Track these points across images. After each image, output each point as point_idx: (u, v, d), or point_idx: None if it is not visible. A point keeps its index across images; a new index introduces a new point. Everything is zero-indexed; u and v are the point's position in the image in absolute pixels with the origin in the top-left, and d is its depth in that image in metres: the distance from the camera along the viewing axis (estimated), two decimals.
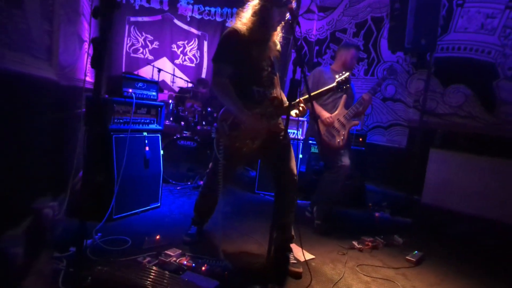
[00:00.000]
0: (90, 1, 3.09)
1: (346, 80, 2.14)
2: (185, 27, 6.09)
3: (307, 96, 2.02)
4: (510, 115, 3.26)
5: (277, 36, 2.16)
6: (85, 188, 2.57)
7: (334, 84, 2.15)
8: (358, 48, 3.13)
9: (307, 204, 3.48)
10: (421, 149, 3.72)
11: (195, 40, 6.19)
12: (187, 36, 6.12)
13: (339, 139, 2.95)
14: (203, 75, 6.16)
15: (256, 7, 1.99)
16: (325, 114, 2.97)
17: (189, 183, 4.02)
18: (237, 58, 2.00)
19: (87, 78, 3.13)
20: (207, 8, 6.11)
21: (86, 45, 3.07)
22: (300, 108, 2.06)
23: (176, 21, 6.00)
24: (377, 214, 3.67)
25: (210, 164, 2.34)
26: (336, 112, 2.98)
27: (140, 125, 2.90)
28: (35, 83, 1.44)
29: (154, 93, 3.02)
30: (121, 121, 2.72)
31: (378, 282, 2.13)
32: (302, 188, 3.88)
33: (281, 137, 2.17)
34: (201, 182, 2.76)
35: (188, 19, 6.08)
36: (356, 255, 2.53)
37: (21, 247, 1.16)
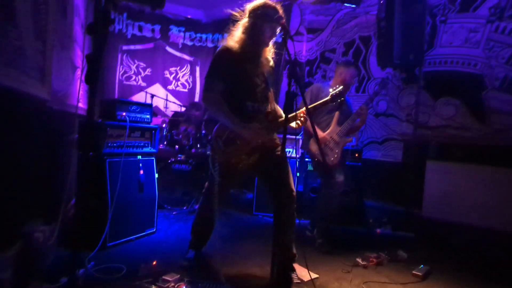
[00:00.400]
0: (83, 28, 3.14)
1: (340, 94, 2.15)
2: (177, 53, 6.20)
3: (303, 109, 2.02)
4: (501, 124, 3.30)
5: (269, 52, 2.19)
6: (78, 215, 2.49)
7: (328, 97, 2.17)
8: (356, 68, 3.19)
9: (306, 224, 3.40)
10: (417, 162, 3.71)
11: (187, 66, 6.29)
12: (180, 62, 6.22)
13: (332, 157, 2.93)
14: (196, 100, 6.21)
15: (247, 25, 2.03)
16: (319, 133, 2.97)
17: (185, 208, 3.92)
18: (230, 75, 2.02)
19: (80, 104, 3.11)
20: (198, 34, 6.26)
21: (79, 72, 3.08)
22: (302, 119, 2.05)
23: (168, 48, 6.12)
24: (378, 230, 3.60)
25: (206, 184, 2.29)
26: (329, 130, 2.98)
27: (134, 149, 2.85)
28: (28, 101, 1.42)
29: (148, 116, 3.00)
30: (114, 145, 2.67)
31: None
32: (300, 207, 3.81)
33: (277, 152, 2.15)
34: (197, 206, 2.70)
35: (180, 46, 6.21)
36: (361, 272, 2.44)
37: (9, 272, 1.09)
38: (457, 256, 2.95)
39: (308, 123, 2.98)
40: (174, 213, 3.77)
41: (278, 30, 2.02)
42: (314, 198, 3.94)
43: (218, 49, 2.09)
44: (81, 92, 3.10)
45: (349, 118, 3.00)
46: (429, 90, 3.78)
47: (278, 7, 2.00)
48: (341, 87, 2.17)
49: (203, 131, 4.38)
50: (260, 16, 1.97)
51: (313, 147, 3.00)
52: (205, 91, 2.05)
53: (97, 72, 1.25)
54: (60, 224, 2.25)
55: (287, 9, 5.02)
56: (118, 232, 2.63)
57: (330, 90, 2.18)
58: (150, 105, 3.09)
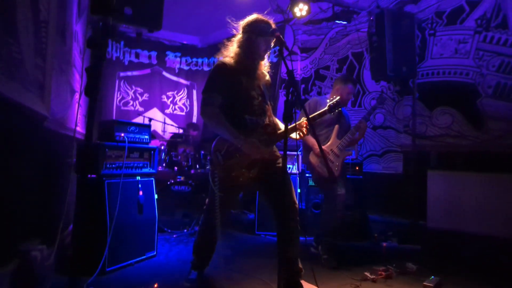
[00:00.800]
0: (81, 54, 3.20)
1: (338, 104, 2.17)
2: (174, 78, 6.31)
3: (303, 120, 2.03)
4: (498, 130, 3.32)
5: (265, 66, 2.22)
6: (75, 239, 2.42)
7: (326, 108, 2.18)
8: (355, 82, 3.22)
9: (311, 240, 3.33)
10: (418, 173, 3.69)
11: (184, 90, 6.38)
12: (177, 86, 6.31)
13: (333, 170, 2.91)
14: (194, 121, 6.25)
15: (241, 40, 2.08)
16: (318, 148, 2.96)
17: (185, 230, 3.84)
18: (227, 88, 2.03)
19: (78, 129, 3.12)
20: (194, 59, 6.40)
21: (77, 96, 3.10)
22: (304, 130, 2.05)
23: (165, 73, 6.23)
24: (384, 244, 3.51)
25: (207, 200, 2.25)
26: (329, 143, 2.98)
27: (133, 169, 2.83)
28: (27, 116, 1.40)
29: (146, 137, 3.00)
30: (113, 166, 2.65)
31: None
32: (304, 225, 3.75)
33: (278, 165, 2.14)
34: (199, 225, 2.64)
35: (177, 71, 6.33)
36: (371, 286, 2.36)
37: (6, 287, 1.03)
38: (466, 266, 2.87)
39: (307, 136, 3.02)
40: (174, 236, 3.68)
41: (272, 43, 2.07)
42: (317, 214, 3.88)
43: (214, 65, 2.12)
44: (79, 116, 3.12)
45: (348, 132, 3.01)
46: (424, 101, 3.83)
47: (271, 21, 2.05)
48: (338, 97, 2.19)
49: (202, 152, 4.37)
50: (254, 30, 2.02)
51: (313, 159, 2.98)
52: (203, 105, 2.05)
53: (98, 86, 1.26)
54: (57, 249, 2.19)
55: (281, 31, 5.17)
56: (118, 256, 2.55)
57: (328, 101, 2.20)
58: (149, 125, 3.10)
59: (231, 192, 2.12)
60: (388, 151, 4.17)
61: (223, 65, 2.07)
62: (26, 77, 1.25)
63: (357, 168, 3.80)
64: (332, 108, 2.17)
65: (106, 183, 2.54)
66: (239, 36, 2.12)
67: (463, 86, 3.58)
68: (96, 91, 1.23)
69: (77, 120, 3.03)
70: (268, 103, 2.19)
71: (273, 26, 2.02)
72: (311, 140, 3.00)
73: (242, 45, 2.06)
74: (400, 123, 4.08)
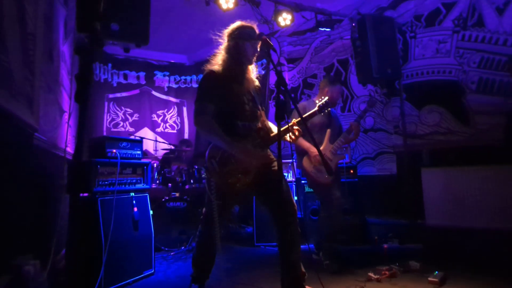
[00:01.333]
0: (69, 75, 3.19)
1: (327, 104, 2.20)
2: (164, 97, 6.32)
3: (295, 120, 2.04)
4: (484, 124, 3.39)
5: (253, 72, 2.25)
6: (70, 260, 2.34)
7: (316, 108, 2.20)
8: (342, 83, 3.26)
9: (312, 248, 3.28)
10: (412, 172, 3.71)
11: (174, 108, 6.39)
12: (166, 105, 6.32)
13: (326, 175, 2.91)
14: (186, 137, 6.23)
15: (228, 46, 2.10)
16: (313, 151, 2.96)
17: (183, 247, 3.75)
18: (218, 95, 2.04)
19: (68, 149, 3.07)
20: (183, 77, 6.44)
21: (66, 116, 3.07)
22: (296, 133, 2.06)
23: (154, 92, 6.24)
24: (385, 246, 3.47)
25: (204, 210, 2.21)
26: (321, 147, 2.98)
27: (127, 186, 2.78)
28: (18, 126, 1.37)
29: (139, 152, 2.96)
30: (106, 183, 2.60)
31: None
32: (303, 233, 3.70)
33: (273, 168, 2.12)
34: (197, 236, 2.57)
35: (166, 90, 6.35)
36: (376, 286, 2.32)
37: None
38: (468, 260, 2.85)
39: (300, 140, 3.03)
40: (172, 253, 3.60)
41: (258, 47, 2.09)
42: (316, 221, 3.84)
43: (203, 73, 2.13)
44: (68, 137, 3.08)
45: (341, 136, 3.02)
46: (411, 101, 3.91)
47: (255, 26, 2.09)
48: (327, 97, 2.22)
49: (196, 167, 4.33)
50: (240, 35, 2.06)
51: (307, 164, 2.98)
52: (196, 115, 2.05)
53: (88, 92, 1.25)
54: (51, 271, 2.11)
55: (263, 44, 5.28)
56: (114, 275, 2.47)
57: (317, 101, 2.22)
58: (140, 140, 3.07)
59: (228, 200, 2.09)
60: (380, 153, 4.20)
61: (212, 73, 2.08)
62: (14, 86, 1.23)
63: (351, 171, 3.80)
64: (321, 108, 2.19)
65: (99, 200, 2.48)
66: (225, 44, 2.15)
67: (447, 84, 3.67)
68: (86, 97, 1.21)
69: (67, 140, 3.00)
70: (260, 108, 2.20)
71: (257, 31, 2.07)
72: (305, 144, 3.00)
73: (230, 51, 2.09)
74: (390, 125, 4.14)
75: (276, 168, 2.11)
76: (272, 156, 2.19)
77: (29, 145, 1.70)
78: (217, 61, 2.15)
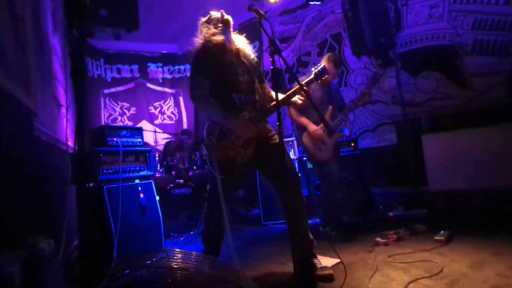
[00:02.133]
0: (63, 68, 3.17)
1: (323, 71, 2.18)
2: (159, 88, 6.29)
3: (295, 88, 2.03)
4: (481, 86, 3.39)
5: (248, 48, 2.24)
6: (82, 249, 2.37)
7: (312, 76, 2.19)
8: (339, 57, 3.18)
9: (318, 222, 3.32)
10: (413, 140, 3.73)
11: (170, 99, 6.37)
12: (162, 96, 6.29)
13: (325, 152, 2.93)
14: (185, 127, 6.23)
15: (214, 19, 2.12)
16: (312, 127, 2.97)
17: (192, 232, 3.80)
18: (212, 68, 2.04)
19: (69, 143, 3.07)
20: (176, 67, 6.40)
21: (63, 110, 3.07)
22: (302, 97, 2.06)
23: (149, 84, 6.21)
24: (391, 214, 3.52)
25: (208, 186, 2.23)
26: (321, 125, 2.97)
27: (131, 173, 2.80)
28: (18, 108, 1.37)
29: (139, 140, 2.97)
30: (110, 171, 2.62)
31: (416, 265, 1.97)
32: (309, 208, 3.75)
33: (273, 141, 2.12)
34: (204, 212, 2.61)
35: (161, 81, 6.31)
36: (384, 249, 2.36)
37: (18, 268, 1.01)
38: (474, 220, 2.90)
39: (300, 117, 3.03)
40: (181, 238, 3.64)
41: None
42: (319, 196, 3.88)
43: (194, 48, 2.12)
44: (68, 131, 3.08)
45: (341, 113, 3.00)
46: (407, 69, 3.90)
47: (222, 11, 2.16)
48: (323, 64, 2.20)
49: (197, 153, 4.35)
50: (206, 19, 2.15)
51: (306, 140, 2.99)
52: (191, 90, 2.05)
53: (84, 70, 1.25)
54: (65, 265, 2.15)
55: (256, 26, 5.23)
56: None
57: (312, 69, 2.21)
58: (140, 128, 3.08)
59: (231, 174, 2.10)
60: (380, 124, 4.21)
61: (204, 45, 2.08)
62: (8, 66, 1.23)
63: (352, 144, 3.82)
64: (318, 75, 2.18)
65: (105, 188, 2.51)
66: (214, 14, 2.18)
67: (442, 49, 3.66)
68: (82, 73, 1.22)
69: (67, 134, 3.01)
70: (256, 80, 2.20)
71: (225, 16, 2.14)
72: (304, 120, 3.00)
73: (206, 22, 2.14)
74: (387, 96, 4.14)
75: (276, 141, 2.12)
76: (271, 129, 2.19)
77: (30, 131, 1.70)
78: (207, 35, 2.14)
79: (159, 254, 1.24)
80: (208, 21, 2.16)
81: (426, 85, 3.78)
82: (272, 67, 1.72)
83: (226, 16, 2.16)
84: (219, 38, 2.07)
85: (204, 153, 4.21)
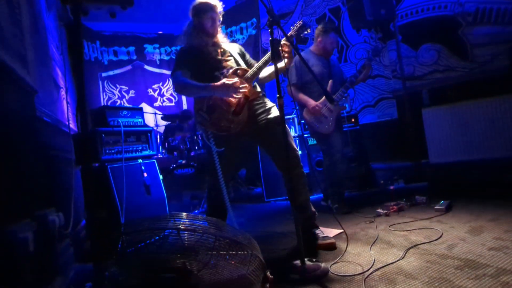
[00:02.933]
0: (59, 50, 3.14)
1: (303, 26, 2.16)
2: (157, 70, 6.24)
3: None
4: (484, 56, 3.35)
5: (224, 38, 2.30)
6: (90, 227, 2.42)
7: (292, 32, 2.15)
8: (336, 30, 3.13)
9: (320, 197, 3.37)
10: (413, 114, 3.73)
11: (169, 80, 6.31)
12: (161, 78, 6.24)
13: (327, 125, 2.93)
14: (185, 107, 6.21)
15: (190, 23, 2.24)
16: (311, 103, 2.96)
17: (196, 211, 3.86)
18: (193, 60, 2.13)
19: (71, 126, 3.08)
20: (173, 48, 6.31)
21: (63, 92, 3.06)
22: (286, 53, 1.99)
23: (146, 67, 6.15)
24: (392, 187, 3.56)
25: (208, 167, 2.25)
26: (323, 98, 2.96)
27: (133, 153, 2.82)
28: (19, 84, 1.37)
29: (140, 120, 2.98)
30: (113, 151, 2.64)
31: (416, 232, 2.02)
32: (310, 183, 3.80)
33: (270, 115, 2.11)
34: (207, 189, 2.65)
35: (158, 63, 6.25)
36: (385, 220, 2.41)
37: (31, 234, 1.04)
38: (475, 189, 2.93)
39: (299, 94, 3.02)
40: None
41: (219, 17, 2.19)
42: (321, 172, 3.92)
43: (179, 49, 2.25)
44: (70, 113, 3.08)
45: (342, 87, 2.99)
46: (408, 42, 3.84)
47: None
48: (300, 22, 2.18)
49: (198, 133, 4.36)
50: (196, 12, 2.17)
51: (307, 116, 3.00)
52: (173, 83, 2.16)
53: (79, 39, 1.25)
54: (72, 239, 2.20)
55: (254, 1, 5.12)
56: None
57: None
58: (141, 108, 3.08)
59: (229, 147, 2.11)
60: (380, 99, 4.19)
61: (184, 47, 2.22)
62: (5, 40, 1.22)
63: (353, 120, 3.82)
64: (298, 30, 2.15)
65: (109, 168, 2.53)
66: (190, 20, 2.26)
67: (443, 20, 3.59)
68: (80, 46, 1.22)
69: (68, 117, 3.01)
70: (242, 62, 2.21)
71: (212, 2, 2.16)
72: (303, 97, 3.00)
73: (193, 28, 2.21)
74: (388, 70, 4.10)
75: (272, 115, 2.11)
76: (259, 90, 2.18)
77: (33, 110, 1.70)
78: (186, 36, 2.26)
79: (166, 218, 1.27)
80: (196, 26, 2.20)
81: (426, 57, 3.74)
82: (270, 38, 1.70)
83: (214, 28, 2.20)
84: (201, 41, 2.19)
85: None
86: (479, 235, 1.83)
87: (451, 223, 2.11)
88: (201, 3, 2.19)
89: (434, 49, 3.68)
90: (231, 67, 2.13)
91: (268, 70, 2.20)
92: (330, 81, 2.97)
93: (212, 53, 2.18)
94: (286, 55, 1.94)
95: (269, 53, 2.04)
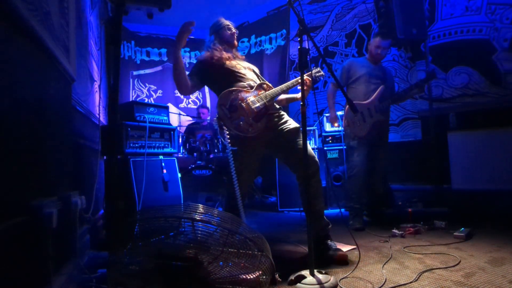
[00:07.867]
0: (97, 45, 3.31)
1: (318, 71, 2.24)
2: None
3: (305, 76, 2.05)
4: None
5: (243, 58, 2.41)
6: (108, 216, 2.50)
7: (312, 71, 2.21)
8: (384, 35, 3.02)
9: (334, 214, 3.33)
10: (438, 137, 3.64)
11: None
12: None
13: (361, 128, 2.92)
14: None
15: (211, 38, 2.40)
16: (331, 115, 3.18)
17: None
18: (211, 74, 2.24)
19: (101, 119, 3.22)
20: (202, 52, 6.47)
21: (96, 85, 3.21)
22: (306, 86, 2.05)
23: None
24: (410, 210, 3.47)
25: (225, 178, 2.30)
26: (368, 100, 2.94)
27: (155, 149, 2.90)
28: (59, 71, 1.46)
29: (165, 118, 3.07)
30: (136, 145, 2.73)
31: (432, 256, 1.95)
32: (326, 198, 3.76)
33: (288, 126, 2.14)
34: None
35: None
36: (400, 241, 2.35)
37: (55, 211, 1.10)
38: (496, 220, 2.81)
39: (331, 99, 3.12)
40: None
41: (234, 31, 2.34)
42: (338, 187, 3.88)
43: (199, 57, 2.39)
44: (99, 108, 3.22)
45: (389, 99, 2.95)
46: (438, 63, 3.78)
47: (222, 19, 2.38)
48: (318, 68, 2.26)
49: (219, 136, 4.43)
50: (215, 28, 2.36)
51: (347, 113, 3.02)
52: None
53: (119, 33, 1.33)
54: (91, 232, 2.28)
55: (285, 13, 5.20)
56: None
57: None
58: (167, 106, 3.17)
59: (244, 147, 2.14)
60: (405, 119, 4.12)
61: (201, 57, 2.36)
62: (54, 30, 1.32)
63: None
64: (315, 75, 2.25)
65: (131, 161, 2.62)
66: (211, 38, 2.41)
67: (477, 43, 3.52)
68: (119, 40, 1.29)
69: (99, 110, 3.15)
70: (264, 81, 2.28)
71: (225, 22, 2.35)
72: (330, 105, 3.16)
73: (213, 41, 2.36)
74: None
75: (291, 126, 2.15)
76: (279, 108, 2.26)
77: (69, 98, 1.81)
78: (208, 52, 2.36)
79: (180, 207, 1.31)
80: (217, 39, 2.35)
81: (456, 80, 3.66)
82: (299, 47, 1.73)
83: (233, 37, 2.34)
84: (222, 54, 2.30)
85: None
86: (500, 267, 1.76)
87: (470, 251, 2.03)
88: (218, 20, 2.39)
89: (465, 72, 3.60)
90: (252, 79, 2.23)
91: (286, 95, 2.37)
92: (382, 87, 2.93)
93: (232, 67, 2.25)
94: (305, 87, 2.02)
95: (293, 80, 2.18)
